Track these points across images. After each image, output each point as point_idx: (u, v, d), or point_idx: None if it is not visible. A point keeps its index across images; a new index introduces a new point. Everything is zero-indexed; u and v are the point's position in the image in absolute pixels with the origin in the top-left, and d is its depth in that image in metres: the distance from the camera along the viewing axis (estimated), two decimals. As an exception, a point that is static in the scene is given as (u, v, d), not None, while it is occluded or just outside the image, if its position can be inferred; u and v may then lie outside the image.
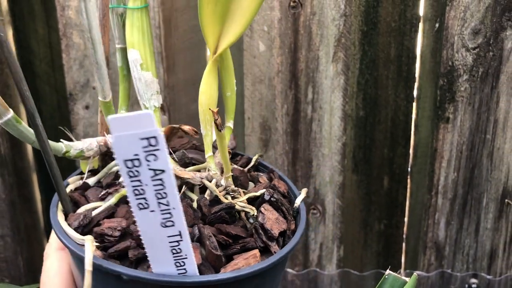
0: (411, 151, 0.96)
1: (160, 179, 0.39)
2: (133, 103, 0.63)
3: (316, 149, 0.91)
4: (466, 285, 0.98)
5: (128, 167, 0.39)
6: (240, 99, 0.95)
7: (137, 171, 0.39)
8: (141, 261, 0.42)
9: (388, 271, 0.48)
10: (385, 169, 0.97)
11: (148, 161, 0.39)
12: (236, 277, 0.40)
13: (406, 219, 1.00)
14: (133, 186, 0.40)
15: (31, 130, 0.47)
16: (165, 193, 0.40)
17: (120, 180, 0.52)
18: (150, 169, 0.39)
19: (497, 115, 0.88)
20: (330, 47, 0.86)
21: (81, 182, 0.53)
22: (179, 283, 0.40)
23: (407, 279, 0.47)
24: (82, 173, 0.55)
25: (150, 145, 0.38)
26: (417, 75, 0.92)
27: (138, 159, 0.39)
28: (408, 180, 0.98)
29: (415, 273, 0.47)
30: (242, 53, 0.90)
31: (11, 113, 0.46)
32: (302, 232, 0.48)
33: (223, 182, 0.52)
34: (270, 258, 0.43)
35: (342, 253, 0.97)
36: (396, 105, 0.93)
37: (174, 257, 0.41)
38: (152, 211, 0.40)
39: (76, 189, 0.53)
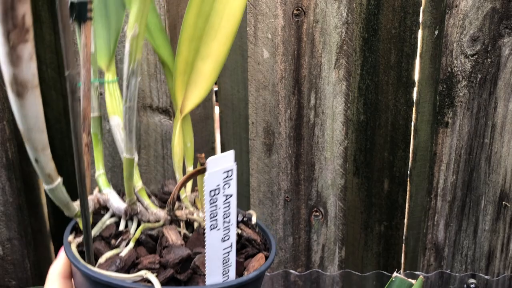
0: (410, 154, 0.98)
1: (229, 202, 0.51)
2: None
3: (319, 153, 0.93)
4: (465, 285, 1.00)
5: (211, 196, 0.51)
6: (244, 104, 0.97)
7: (216, 198, 0.51)
8: (189, 281, 0.50)
9: (395, 274, 0.50)
10: (386, 172, 0.99)
11: (224, 189, 0.51)
12: (259, 274, 0.51)
13: (406, 221, 1.02)
14: (211, 211, 0.51)
15: (69, 198, 0.56)
16: (229, 212, 0.52)
17: (121, 228, 0.61)
18: (224, 195, 0.51)
19: (495, 120, 0.90)
20: (332, 54, 0.88)
21: (80, 239, 0.59)
22: (238, 284, 0.49)
23: (413, 281, 0.49)
24: (72, 231, 0.63)
25: (228, 176, 0.51)
26: (416, 80, 0.94)
27: (218, 189, 0.51)
28: (408, 183, 1.00)
29: (421, 276, 0.49)
30: (247, 60, 0.91)
31: (59, 178, 0.53)
32: (274, 241, 0.60)
33: (201, 215, 0.64)
34: (270, 256, 0.55)
35: (344, 254, 0.99)
36: (396, 109, 0.95)
37: (223, 266, 0.49)
38: (219, 229, 0.51)
39: (78, 245, 0.58)
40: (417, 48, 0.92)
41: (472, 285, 0.99)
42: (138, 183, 0.64)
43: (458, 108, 0.90)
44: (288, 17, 0.87)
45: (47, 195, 1.05)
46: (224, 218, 0.52)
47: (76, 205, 0.57)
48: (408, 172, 0.99)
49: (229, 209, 0.53)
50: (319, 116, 0.91)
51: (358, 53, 0.93)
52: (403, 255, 1.05)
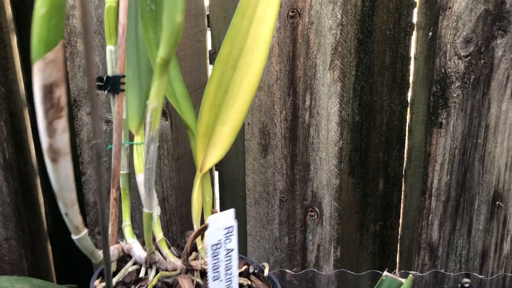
0: (405, 155, 0.99)
1: (230, 256, 0.59)
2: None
3: (314, 153, 0.94)
4: (459, 285, 1.01)
5: (213, 250, 0.58)
6: (239, 105, 0.98)
7: (218, 252, 0.58)
8: None
9: (385, 273, 0.51)
10: (381, 172, 1.00)
11: (225, 243, 0.59)
12: None
13: (400, 220, 1.03)
14: (213, 263, 0.58)
15: (93, 246, 0.62)
16: (231, 265, 0.59)
17: (141, 275, 0.69)
18: (225, 249, 0.59)
19: (488, 120, 0.91)
20: (327, 55, 0.89)
21: (103, 284, 0.67)
22: None
23: (403, 280, 0.50)
24: (99, 276, 0.70)
25: (229, 232, 0.59)
26: (411, 81, 0.95)
27: (220, 243, 0.58)
28: (403, 183, 1.01)
29: (411, 274, 0.50)
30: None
31: (86, 230, 0.59)
32: None
33: None
34: None
35: (339, 254, 1.00)
36: (390, 110, 0.96)
37: None
38: (221, 280, 0.57)
39: None
40: (411, 49, 0.93)
41: (466, 285, 1.00)
42: (158, 234, 0.72)
43: (452, 109, 0.91)
44: (283, 18, 0.87)
45: (44, 195, 1.06)
46: (226, 270, 0.59)
47: (101, 253, 0.63)
48: (403, 172, 1.00)
49: (230, 262, 0.60)
50: (314, 117, 0.92)
51: (353, 54, 0.94)
52: (398, 254, 1.06)
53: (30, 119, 1.02)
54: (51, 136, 0.47)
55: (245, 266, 0.74)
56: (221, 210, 1.06)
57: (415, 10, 0.91)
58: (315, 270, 1.01)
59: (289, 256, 1.00)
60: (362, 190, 1.01)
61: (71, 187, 0.53)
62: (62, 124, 0.47)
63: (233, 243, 0.60)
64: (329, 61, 0.89)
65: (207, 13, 0.96)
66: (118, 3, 0.68)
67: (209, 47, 0.98)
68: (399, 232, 1.04)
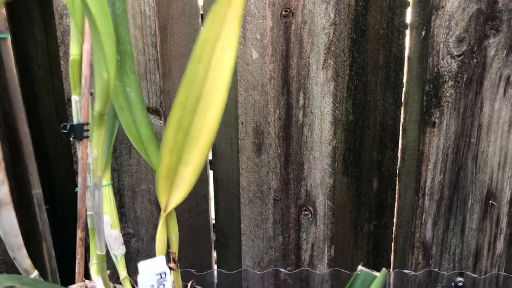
0: (399, 154, 0.99)
1: None
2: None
3: (308, 152, 0.94)
4: (453, 284, 1.01)
5: None
6: (234, 104, 0.98)
7: None
8: None
9: (360, 267, 0.51)
10: (374, 171, 1.00)
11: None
12: None
13: (395, 219, 1.03)
14: None
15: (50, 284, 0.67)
16: None
17: None
18: None
19: (481, 119, 0.91)
20: (321, 54, 0.89)
21: None
22: None
23: (377, 273, 0.50)
24: None
25: (161, 277, 0.64)
26: (404, 81, 0.95)
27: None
28: (397, 182, 1.01)
29: (384, 268, 0.50)
30: (236, 61, 0.92)
31: (36, 272, 0.64)
32: None
33: None
34: None
35: (333, 253, 1.00)
36: (384, 109, 0.96)
37: None
38: None
39: None
40: (404, 48, 0.93)
41: (459, 283, 1.00)
42: (122, 272, 0.77)
43: (445, 108, 0.91)
44: (277, 18, 0.87)
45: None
46: None
47: None
48: (397, 171, 1.00)
49: None
50: (307, 116, 0.92)
51: (346, 54, 0.94)
52: (392, 253, 1.06)
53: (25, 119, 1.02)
54: None
55: None
56: (216, 209, 1.07)
57: (409, 10, 0.91)
58: (309, 269, 1.01)
59: (283, 255, 1.00)
60: (356, 189, 1.01)
61: (16, 232, 0.58)
62: (0, 177, 0.52)
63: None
64: (323, 61, 0.89)
65: (201, 12, 0.96)
66: (81, 56, 0.73)
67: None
68: (393, 231, 1.04)
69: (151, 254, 1.00)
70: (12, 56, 0.98)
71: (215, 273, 1.09)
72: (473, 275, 1.00)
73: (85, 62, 0.72)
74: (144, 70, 0.90)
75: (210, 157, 1.04)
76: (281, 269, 1.01)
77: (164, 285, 0.66)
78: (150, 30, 0.88)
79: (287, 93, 0.91)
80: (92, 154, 0.67)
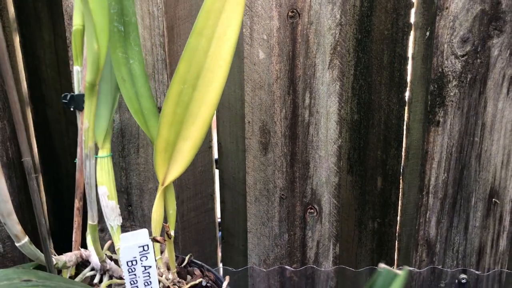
0: (403, 153, 1.00)
1: (148, 272, 0.66)
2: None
3: (313, 151, 0.95)
4: (456, 281, 1.02)
5: (128, 266, 0.65)
6: (240, 104, 0.99)
7: (134, 268, 0.66)
8: None
9: (382, 265, 0.52)
10: (379, 170, 1.01)
11: (141, 261, 0.66)
12: None
13: (398, 218, 1.04)
14: (130, 278, 0.65)
15: (39, 252, 0.68)
16: (150, 281, 0.67)
17: (95, 281, 0.76)
18: (142, 266, 0.66)
19: (484, 118, 0.92)
20: (327, 54, 0.90)
21: None
22: None
23: (399, 271, 0.51)
24: None
25: (144, 250, 0.66)
26: (408, 80, 0.96)
27: (135, 260, 0.65)
28: (401, 181, 1.02)
29: (406, 267, 0.51)
30: (243, 61, 0.93)
31: (26, 238, 0.66)
32: None
33: (170, 276, 0.78)
34: None
35: (338, 251, 1.01)
36: (389, 109, 0.97)
37: None
38: None
39: None
40: (409, 49, 0.94)
41: (463, 280, 1.01)
42: (117, 243, 0.77)
43: (449, 107, 0.92)
44: (283, 18, 0.89)
45: (46, 194, 1.07)
46: (146, 286, 0.67)
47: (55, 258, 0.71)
48: (401, 170, 1.01)
49: (149, 278, 0.67)
50: (313, 116, 0.93)
51: (351, 54, 0.95)
52: (396, 251, 1.07)
53: (33, 118, 1.03)
54: None
55: (200, 279, 0.80)
56: (222, 208, 1.08)
57: (413, 10, 0.93)
58: (315, 266, 1.02)
59: (289, 253, 1.01)
60: (360, 188, 1.03)
61: (5, 199, 0.60)
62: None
63: (150, 261, 0.67)
64: (328, 61, 0.90)
65: (208, 13, 0.97)
66: (83, 26, 0.72)
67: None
68: (397, 229, 1.05)
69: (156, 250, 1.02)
70: (21, 57, 0.99)
71: (221, 270, 1.10)
72: (477, 272, 1.01)
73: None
74: (152, 70, 0.91)
75: (216, 156, 1.06)
76: (287, 267, 1.02)
77: (146, 257, 0.66)
78: (158, 30, 0.89)
79: (293, 92, 0.92)
80: (83, 125, 0.67)
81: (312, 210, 0.99)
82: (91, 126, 0.66)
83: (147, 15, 0.88)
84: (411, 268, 1.03)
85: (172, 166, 0.74)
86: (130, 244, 0.66)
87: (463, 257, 1.01)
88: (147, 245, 0.67)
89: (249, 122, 0.95)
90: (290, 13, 0.88)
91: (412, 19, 0.93)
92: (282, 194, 0.98)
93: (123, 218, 0.98)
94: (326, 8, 0.88)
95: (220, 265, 1.11)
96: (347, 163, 1.01)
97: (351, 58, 0.95)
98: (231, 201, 1.07)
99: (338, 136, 0.94)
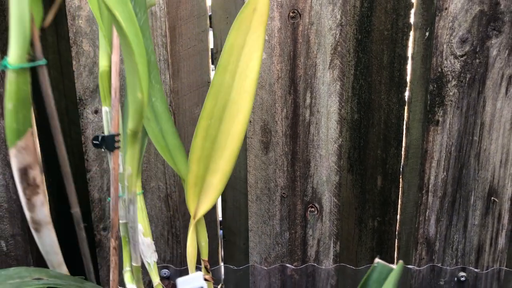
0: (403, 152, 1.01)
1: None
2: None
3: (314, 150, 0.96)
4: (455, 278, 1.03)
5: None
6: (241, 103, 1.00)
7: None
8: None
9: (377, 260, 0.53)
10: (379, 169, 1.02)
11: None
12: None
13: (398, 216, 1.05)
14: None
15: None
16: None
17: None
18: None
19: (483, 118, 0.93)
20: (327, 55, 0.91)
21: None
22: None
23: (394, 266, 0.52)
24: None
25: None
26: (408, 80, 0.97)
27: None
28: (400, 180, 1.03)
29: (401, 261, 0.52)
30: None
31: None
32: None
33: None
34: None
35: (339, 249, 1.02)
36: (388, 108, 0.98)
37: None
38: None
39: None
40: (408, 49, 0.95)
41: (462, 278, 1.02)
42: (155, 280, 0.79)
43: (448, 107, 0.93)
44: (284, 19, 0.90)
45: (49, 193, 1.08)
46: None
47: None
48: (401, 169, 1.02)
49: None
50: (314, 115, 0.94)
51: (352, 54, 0.96)
52: (396, 249, 1.08)
53: (35, 118, 1.04)
54: (31, 210, 0.55)
55: None
56: (223, 207, 1.09)
57: (412, 11, 0.94)
58: (315, 264, 1.03)
59: (290, 251, 1.02)
60: (361, 187, 1.03)
61: (57, 251, 0.61)
62: (40, 199, 0.56)
63: None
64: (329, 61, 0.91)
65: (209, 13, 0.98)
66: (110, 67, 0.74)
67: (211, 46, 1.00)
68: (397, 228, 1.06)
69: (160, 250, 1.03)
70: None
71: (222, 268, 1.11)
72: (475, 270, 1.02)
73: (114, 74, 0.73)
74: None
75: (218, 155, 1.06)
76: (288, 265, 1.03)
77: None
78: (161, 31, 0.90)
79: (294, 92, 0.93)
80: (126, 171, 0.69)
81: (312, 209, 0.99)
82: (135, 173, 0.69)
83: (149, 16, 0.89)
84: (410, 266, 1.04)
85: (202, 200, 0.77)
86: (185, 287, 0.72)
87: (462, 255, 1.02)
88: (202, 287, 0.73)
89: (250, 121, 0.95)
90: (291, 14, 0.89)
91: (412, 20, 0.94)
92: (283, 193, 0.99)
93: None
94: (327, 9, 0.89)
95: (222, 263, 1.12)
96: (348, 162, 1.02)
97: (351, 58, 0.96)
98: (232, 200, 1.08)
99: (339, 135, 0.95)
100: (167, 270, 1.03)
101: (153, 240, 1.02)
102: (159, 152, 0.78)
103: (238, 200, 1.07)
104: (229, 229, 1.11)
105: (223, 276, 1.12)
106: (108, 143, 0.74)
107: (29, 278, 0.53)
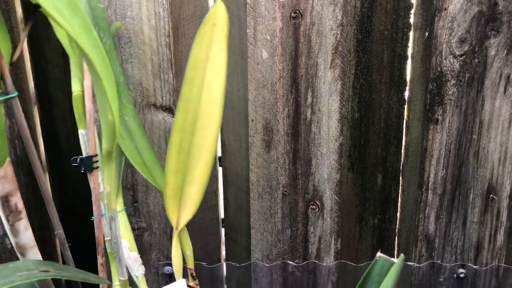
0: (402, 150, 1.02)
1: None
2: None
3: (315, 149, 0.97)
4: (455, 275, 1.04)
5: None
6: (243, 103, 1.02)
7: None
8: None
9: (378, 254, 0.54)
10: (379, 167, 1.04)
11: None
12: None
13: (398, 214, 1.07)
14: None
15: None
16: None
17: None
18: None
19: (482, 117, 0.95)
20: (328, 54, 0.92)
21: None
22: None
23: (395, 260, 0.53)
24: None
25: None
26: (408, 80, 0.99)
27: None
28: (400, 178, 1.04)
29: (402, 254, 0.53)
30: (246, 60, 0.96)
31: None
32: None
33: None
34: None
35: (340, 246, 1.03)
36: (389, 107, 1.00)
37: None
38: None
39: None
40: (408, 49, 0.97)
41: (461, 275, 1.04)
42: None
43: (448, 105, 0.94)
44: (286, 19, 0.91)
45: (53, 191, 1.09)
46: None
47: None
48: (401, 167, 1.04)
49: None
50: (315, 114, 0.96)
51: (352, 54, 0.97)
52: (396, 247, 1.09)
53: (39, 117, 1.05)
54: (15, 235, 0.58)
55: None
56: (225, 205, 1.10)
57: (412, 11, 0.95)
58: (317, 261, 1.04)
59: (291, 248, 1.04)
60: (361, 185, 1.05)
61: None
62: (23, 224, 0.58)
63: None
64: (330, 60, 0.93)
65: (212, 14, 1.00)
66: (83, 91, 0.77)
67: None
68: (397, 225, 1.08)
69: (162, 247, 1.04)
70: (28, 57, 1.01)
71: (224, 265, 1.12)
72: (474, 266, 1.04)
73: (87, 97, 0.77)
74: (158, 70, 0.93)
75: (220, 153, 1.08)
76: (289, 262, 1.05)
77: None
78: (164, 31, 0.91)
79: (296, 91, 0.95)
80: (105, 190, 0.72)
81: (314, 206, 1.01)
82: (113, 191, 0.72)
83: (153, 16, 0.90)
84: (410, 263, 1.05)
85: (182, 211, 0.79)
86: None
87: (461, 252, 1.03)
88: None
89: (252, 120, 0.97)
90: (293, 14, 0.91)
91: (412, 20, 0.95)
92: (285, 191, 1.00)
93: (128, 215, 1.00)
94: (328, 9, 0.90)
95: (223, 260, 1.14)
96: (348, 161, 1.03)
97: (351, 58, 0.98)
98: (234, 198, 1.09)
99: (340, 134, 0.96)
100: (170, 267, 1.04)
101: (156, 237, 1.03)
102: (137, 169, 0.81)
103: (240, 198, 1.08)
104: (231, 227, 1.12)
105: (225, 274, 1.13)
106: (86, 164, 0.77)
107: (36, 271, 0.54)
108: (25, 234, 0.59)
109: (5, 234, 1.01)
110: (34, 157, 0.67)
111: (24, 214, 0.59)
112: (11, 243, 1.00)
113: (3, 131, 0.57)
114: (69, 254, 0.70)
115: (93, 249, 0.80)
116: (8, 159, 0.56)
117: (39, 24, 1.01)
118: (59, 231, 0.66)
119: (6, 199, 0.56)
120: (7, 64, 0.65)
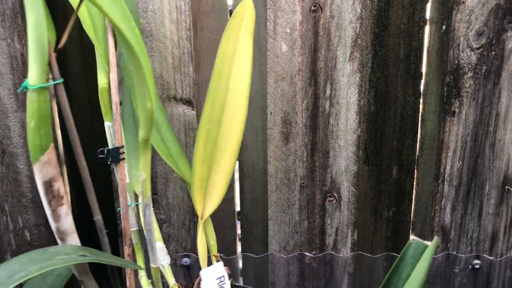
0: (418, 143, 1.04)
1: None
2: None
3: (333, 141, 0.99)
4: (470, 266, 1.06)
5: None
6: (260, 96, 1.03)
7: None
8: None
9: (412, 237, 0.56)
10: (394, 160, 1.05)
11: None
12: None
13: (413, 206, 1.08)
14: None
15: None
16: None
17: None
18: None
19: (498, 109, 0.96)
20: (347, 47, 0.94)
21: None
22: None
23: (428, 243, 0.55)
24: None
25: (221, 281, 0.78)
26: (423, 73, 1.00)
27: None
28: (415, 170, 1.06)
29: (436, 237, 0.55)
30: (264, 54, 0.97)
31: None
32: None
33: None
34: None
35: (356, 237, 1.04)
36: (404, 100, 1.01)
37: None
38: None
39: None
40: (424, 42, 0.98)
41: (476, 266, 1.05)
42: (170, 281, 0.83)
43: (464, 98, 0.96)
44: (306, 12, 0.92)
45: (70, 184, 1.10)
46: None
47: None
48: (416, 160, 1.05)
49: None
50: (334, 106, 0.97)
51: (369, 47, 0.99)
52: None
53: (58, 111, 1.06)
54: (56, 221, 0.58)
55: None
56: (241, 197, 1.11)
57: (428, 5, 0.96)
58: (333, 253, 1.05)
59: (308, 240, 1.05)
60: (376, 177, 1.06)
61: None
62: (64, 210, 0.59)
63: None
64: (349, 53, 0.94)
65: (230, 8, 1.01)
66: (109, 84, 0.79)
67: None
68: (412, 218, 1.09)
69: (181, 239, 1.05)
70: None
71: (240, 257, 1.13)
72: (490, 257, 1.05)
73: (114, 90, 0.78)
74: (179, 63, 0.94)
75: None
76: (306, 253, 1.06)
77: (223, 287, 0.77)
78: (185, 24, 0.92)
79: (315, 84, 0.96)
80: (140, 177, 0.73)
81: (331, 198, 1.02)
82: (148, 178, 0.73)
83: (174, 10, 0.91)
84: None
85: (208, 201, 0.81)
86: (209, 277, 0.77)
87: (476, 243, 1.05)
88: (223, 276, 0.78)
89: (271, 113, 0.98)
90: (312, 7, 0.92)
91: (428, 14, 0.97)
92: (303, 183, 1.01)
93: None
94: (348, 2, 0.91)
95: (239, 252, 1.15)
96: (364, 154, 1.05)
97: (368, 51, 0.99)
98: (250, 190, 1.10)
99: (358, 126, 0.97)
100: (188, 258, 1.05)
101: (175, 229, 1.04)
102: (163, 158, 0.82)
103: (256, 191, 1.10)
104: (247, 219, 1.13)
105: (240, 266, 1.14)
106: (114, 155, 0.79)
107: (75, 255, 0.55)
108: (66, 220, 0.60)
109: (25, 226, 1.02)
110: (76, 143, 0.68)
111: (65, 199, 0.60)
112: (30, 235, 1.01)
113: (48, 116, 0.58)
114: (106, 240, 0.71)
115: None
116: (52, 144, 0.57)
117: (59, 17, 1.02)
118: (98, 217, 0.67)
119: (49, 184, 0.57)
120: (54, 51, 0.66)
